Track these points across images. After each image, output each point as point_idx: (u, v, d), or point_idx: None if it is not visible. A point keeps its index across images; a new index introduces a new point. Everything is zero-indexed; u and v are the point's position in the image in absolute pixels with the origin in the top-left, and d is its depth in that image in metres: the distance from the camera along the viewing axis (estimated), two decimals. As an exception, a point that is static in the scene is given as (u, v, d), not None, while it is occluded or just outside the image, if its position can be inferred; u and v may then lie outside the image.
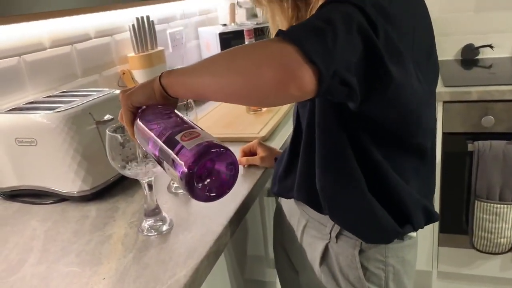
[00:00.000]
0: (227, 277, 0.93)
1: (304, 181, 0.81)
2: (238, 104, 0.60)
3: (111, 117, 1.00)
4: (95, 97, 1.03)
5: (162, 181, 1.01)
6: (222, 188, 0.57)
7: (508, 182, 1.63)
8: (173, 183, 0.99)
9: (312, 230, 0.84)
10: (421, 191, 0.77)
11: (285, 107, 1.47)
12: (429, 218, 0.78)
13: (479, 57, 2.11)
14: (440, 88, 1.70)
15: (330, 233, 0.80)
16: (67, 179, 0.96)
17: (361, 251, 0.77)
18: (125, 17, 1.56)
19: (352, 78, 0.55)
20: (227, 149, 0.54)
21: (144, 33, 1.59)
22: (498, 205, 1.66)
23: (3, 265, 0.77)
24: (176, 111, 0.66)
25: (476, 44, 2.09)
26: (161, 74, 0.64)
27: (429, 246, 1.92)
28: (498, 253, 1.76)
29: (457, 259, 1.91)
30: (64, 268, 0.74)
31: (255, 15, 2.29)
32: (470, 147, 1.67)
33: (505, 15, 2.03)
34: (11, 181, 1.02)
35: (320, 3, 0.67)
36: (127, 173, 0.77)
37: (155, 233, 0.81)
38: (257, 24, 2.02)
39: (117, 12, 1.52)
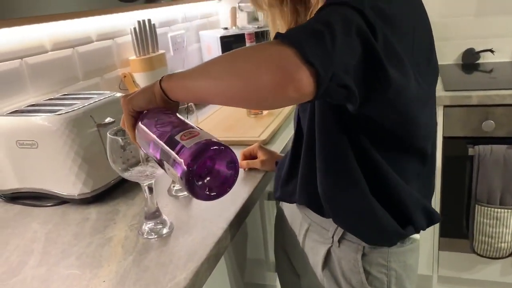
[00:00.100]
0: (227, 280, 0.93)
1: (306, 185, 0.81)
2: (238, 107, 0.60)
3: (112, 120, 1.00)
4: (96, 100, 1.03)
5: (163, 184, 1.01)
6: (222, 187, 0.57)
7: (509, 187, 1.63)
8: (173, 186, 1.00)
9: (314, 234, 0.84)
10: (421, 192, 0.77)
11: (286, 111, 1.47)
12: (430, 219, 0.78)
13: (479, 61, 2.11)
14: (440, 92, 1.71)
15: (333, 237, 0.80)
16: (68, 182, 0.96)
17: (363, 256, 0.78)
18: (127, 20, 1.57)
19: (351, 80, 0.55)
20: (227, 147, 0.54)
21: (146, 36, 1.60)
22: (499, 210, 1.66)
23: (4, 268, 0.77)
24: (177, 114, 0.66)
25: (477, 49, 2.10)
26: (162, 78, 0.64)
27: (430, 250, 1.91)
28: (499, 258, 1.76)
29: (457, 264, 1.90)
30: (64, 271, 0.74)
31: (256, 19, 2.29)
32: (470, 151, 1.67)
33: (506, 19, 2.03)
34: (12, 184, 1.02)
35: (319, 6, 0.67)
36: (128, 176, 0.77)
37: (156, 236, 0.81)
38: (258, 27, 2.02)
39: (118, 16, 1.53)
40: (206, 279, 0.74)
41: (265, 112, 1.47)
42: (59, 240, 0.84)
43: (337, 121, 0.70)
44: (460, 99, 1.67)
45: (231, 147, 0.56)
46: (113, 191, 1.02)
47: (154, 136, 0.60)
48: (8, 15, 1.12)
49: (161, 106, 0.65)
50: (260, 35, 1.70)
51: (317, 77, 0.51)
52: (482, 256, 1.77)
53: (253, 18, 2.28)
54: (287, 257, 0.98)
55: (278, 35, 0.54)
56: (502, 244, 1.72)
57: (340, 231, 0.79)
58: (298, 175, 0.82)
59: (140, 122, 0.66)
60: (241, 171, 1.07)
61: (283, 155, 1.05)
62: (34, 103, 1.08)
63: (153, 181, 0.79)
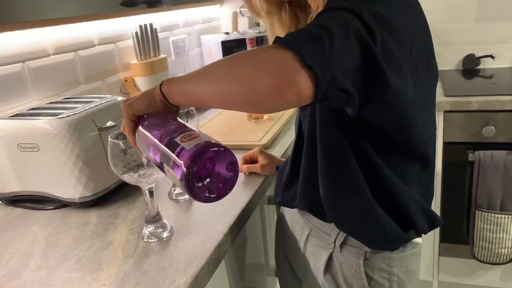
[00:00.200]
0: (227, 284, 0.93)
1: (307, 189, 0.81)
2: (238, 111, 0.61)
3: (113, 123, 1.00)
4: (98, 103, 1.03)
5: (163, 188, 1.02)
6: (222, 189, 0.57)
7: (509, 192, 1.63)
8: (174, 190, 1.00)
9: (315, 239, 0.84)
10: (422, 196, 0.78)
11: (286, 115, 1.47)
12: (432, 222, 0.79)
13: (480, 67, 2.12)
14: (441, 98, 1.71)
15: (334, 242, 0.80)
16: (69, 185, 0.96)
17: (365, 260, 0.78)
18: (129, 24, 1.58)
19: (350, 84, 0.55)
20: (226, 149, 0.54)
21: (147, 40, 1.60)
22: (499, 215, 1.66)
23: (4, 271, 0.77)
24: (178, 118, 0.66)
25: (477, 54, 2.10)
26: (162, 82, 0.64)
27: (430, 255, 1.91)
28: (499, 264, 1.75)
29: (457, 269, 1.90)
30: (64, 274, 0.74)
31: (257, 24, 2.30)
32: (471, 156, 1.68)
33: (506, 25, 2.04)
34: (13, 187, 1.02)
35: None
36: (129, 179, 0.78)
37: (156, 240, 0.81)
38: (259, 32, 2.03)
39: (120, 20, 1.54)
40: (206, 284, 0.74)
41: (265, 116, 1.48)
42: (59, 243, 0.84)
43: (338, 125, 0.71)
44: (460, 104, 1.68)
45: (232, 151, 0.56)
46: (113, 194, 1.03)
47: (154, 139, 0.60)
48: (11, 19, 1.12)
49: (161, 110, 0.65)
50: (260, 40, 1.71)
51: (316, 80, 0.51)
52: (482, 261, 1.77)
53: (254, 23, 2.29)
54: (288, 262, 0.98)
55: (277, 39, 0.55)
56: (503, 250, 1.71)
57: (341, 236, 0.79)
58: (299, 180, 0.82)
59: (140, 126, 0.66)
60: (241, 175, 1.08)
61: (283, 159, 1.05)
62: (35, 107, 1.08)
63: (153, 185, 0.80)
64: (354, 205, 0.74)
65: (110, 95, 1.10)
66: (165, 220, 0.84)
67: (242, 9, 2.19)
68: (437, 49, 0.73)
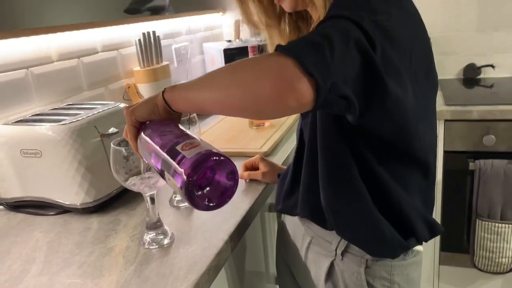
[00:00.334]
0: (227, 291, 0.93)
1: (308, 197, 0.81)
2: (239, 117, 0.61)
3: (115, 130, 1.01)
4: (100, 110, 1.04)
5: (164, 195, 1.02)
6: (222, 198, 0.57)
7: (510, 202, 1.63)
8: (175, 197, 1.00)
9: (316, 247, 0.84)
10: (423, 204, 0.78)
11: (288, 123, 1.48)
12: (432, 230, 0.79)
13: (480, 76, 2.13)
14: (441, 107, 1.72)
15: (336, 250, 0.80)
16: (71, 191, 0.97)
17: (366, 268, 0.78)
18: (132, 32, 1.59)
19: (350, 91, 0.56)
20: (226, 158, 0.55)
21: (150, 48, 1.62)
22: (500, 225, 1.66)
23: (6, 276, 0.77)
24: (179, 125, 0.67)
25: (478, 64, 2.11)
26: (164, 89, 0.65)
27: (430, 264, 1.91)
28: (500, 273, 1.75)
29: (458, 278, 1.89)
30: (65, 280, 0.74)
31: (259, 32, 2.31)
32: (471, 165, 1.68)
33: (507, 35, 2.05)
34: (15, 192, 1.03)
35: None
36: (130, 186, 0.78)
37: (157, 246, 0.82)
38: (261, 40, 2.04)
39: (123, 27, 1.55)
40: (206, 290, 0.74)
41: (267, 123, 1.48)
42: (61, 249, 0.85)
43: (338, 132, 0.71)
44: (461, 113, 1.68)
45: (233, 158, 0.57)
46: (115, 201, 1.03)
47: (156, 147, 0.61)
48: (16, 26, 1.14)
49: (163, 117, 0.66)
50: (262, 48, 1.72)
51: (316, 87, 0.52)
52: (483, 271, 1.77)
53: (256, 31, 2.30)
54: (289, 270, 0.98)
55: (278, 47, 0.56)
56: (503, 259, 1.71)
57: (343, 244, 0.79)
58: (300, 187, 0.83)
59: (142, 133, 0.67)
60: (242, 182, 1.08)
61: (284, 167, 1.05)
62: (39, 113, 1.09)
63: (155, 192, 0.80)
64: (354, 212, 0.75)
65: (112, 102, 1.11)
66: (166, 227, 0.85)
67: (244, 17, 2.20)
68: (438, 58, 0.74)
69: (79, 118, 0.98)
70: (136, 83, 1.59)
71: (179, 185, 0.54)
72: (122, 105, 1.10)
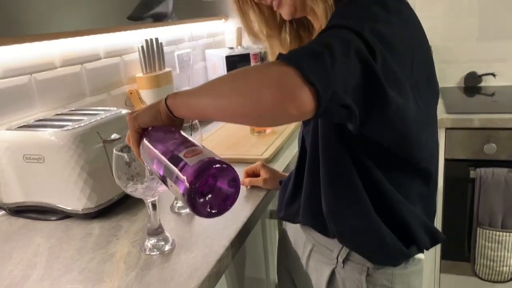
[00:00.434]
0: (227, 298, 0.94)
1: (310, 204, 0.81)
2: (241, 124, 0.62)
3: (118, 136, 1.01)
4: (103, 116, 1.05)
5: (166, 201, 1.02)
6: (223, 205, 0.58)
7: (511, 210, 1.63)
8: (176, 203, 1.01)
9: (318, 255, 0.84)
10: (424, 212, 0.78)
11: (289, 130, 1.48)
12: (434, 238, 0.79)
13: (481, 84, 2.14)
14: (442, 115, 1.72)
15: (337, 258, 0.80)
16: (73, 197, 0.97)
17: (367, 277, 0.78)
18: (135, 38, 1.60)
19: (350, 100, 0.56)
20: (229, 165, 0.55)
21: (153, 54, 1.63)
22: (501, 233, 1.66)
23: (7, 281, 0.77)
24: (181, 131, 0.67)
25: (479, 72, 2.12)
26: (167, 96, 0.66)
27: (431, 272, 1.90)
28: (501, 282, 1.74)
29: (459, 287, 1.89)
30: (66, 285, 0.74)
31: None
32: (472, 174, 1.68)
33: (508, 44, 2.06)
34: (17, 197, 1.03)
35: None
36: (132, 192, 0.78)
37: (158, 253, 0.82)
38: (262, 48, 2.05)
39: (126, 34, 1.56)
40: (206, 297, 0.74)
41: (268, 130, 1.49)
42: (62, 254, 0.85)
43: (339, 140, 0.72)
44: (462, 121, 1.69)
45: (234, 165, 0.57)
46: (116, 206, 1.03)
47: (158, 153, 0.62)
48: (20, 32, 1.15)
49: (166, 123, 0.66)
50: (264, 56, 1.73)
51: (317, 96, 0.52)
52: (483, 279, 1.76)
53: (258, 42, 2.31)
54: (291, 278, 0.98)
55: (279, 56, 0.56)
56: (504, 268, 1.71)
57: (344, 251, 0.79)
58: (302, 194, 0.83)
59: (145, 139, 0.67)
60: (243, 189, 1.08)
61: (285, 174, 1.06)
62: (41, 118, 1.10)
63: (156, 198, 0.80)
64: (356, 219, 0.75)
65: (115, 108, 1.12)
66: (167, 233, 0.85)
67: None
68: (439, 66, 0.74)
69: (82, 124, 0.99)
70: (139, 89, 1.60)
71: (181, 192, 0.54)
72: (125, 111, 1.10)
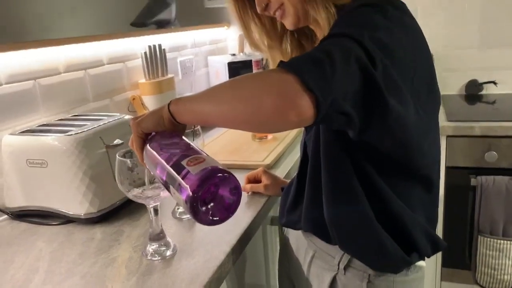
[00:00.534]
0: (228, 304, 0.94)
1: (311, 211, 0.82)
2: (242, 130, 0.63)
3: (121, 141, 1.02)
4: (106, 121, 1.06)
5: (167, 206, 1.03)
6: (225, 212, 0.58)
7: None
8: (177, 208, 1.01)
9: (319, 261, 0.85)
10: (426, 219, 0.78)
11: (291, 136, 1.49)
12: (435, 246, 0.79)
13: (483, 92, 2.14)
14: (443, 123, 1.73)
15: (338, 264, 0.80)
16: (75, 201, 0.98)
17: (369, 283, 0.78)
18: (138, 45, 1.62)
19: (350, 107, 0.57)
20: (231, 174, 0.56)
21: (156, 60, 1.64)
22: (502, 241, 1.66)
23: (9, 285, 0.78)
24: (183, 137, 0.68)
25: (480, 80, 2.13)
26: (170, 101, 0.66)
27: (432, 280, 1.90)
28: (502, 290, 1.74)
29: (460, 295, 1.88)
30: (68, 290, 0.75)
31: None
32: (473, 181, 1.68)
33: (509, 52, 2.07)
34: (20, 201, 1.04)
35: None
36: (135, 197, 0.79)
37: (159, 258, 0.82)
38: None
39: (130, 40, 1.57)
40: (207, 303, 0.74)
41: (269, 136, 1.49)
42: (64, 259, 0.85)
43: (341, 146, 0.72)
44: (463, 129, 1.69)
45: (235, 171, 0.58)
46: (118, 211, 1.04)
47: (161, 159, 0.62)
48: (25, 38, 1.16)
49: (169, 128, 0.67)
50: (266, 62, 1.74)
51: (316, 103, 0.53)
52: (485, 288, 1.76)
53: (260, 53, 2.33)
54: (292, 284, 0.97)
55: (280, 63, 0.57)
56: (506, 276, 1.70)
57: (346, 258, 0.79)
58: (304, 201, 0.83)
59: (148, 144, 0.68)
60: (244, 195, 1.09)
61: (287, 180, 1.06)
62: (45, 123, 1.10)
63: (158, 203, 0.81)
64: (357, 226, 0.75)
65: (118, 114, 1.13)
66: (168, 238, 0.85)
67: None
68: (440, 74, 0.75)
69: (85, 129, 1.00)
70: (141, 95, 1.61)
71: (184, 199, 0.55)
72: (127, 116, 1.11)
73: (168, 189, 0.61)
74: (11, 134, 1.04)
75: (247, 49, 2.23)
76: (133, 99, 1.58)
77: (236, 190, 0.58)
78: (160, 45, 1.65)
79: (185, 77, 1.95)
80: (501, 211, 1.64)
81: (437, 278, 1.88)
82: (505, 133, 1.64)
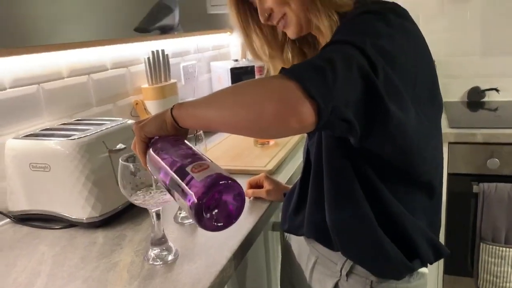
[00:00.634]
0: (229, 310, 0.93)
1: (314, 217, 0.82)
2: (243, 135, 0.63)
3: (123, 146, 1.02)
4: (109, 126, 1.06)
5: (169, 211, 1.03)
6: (229, 219, 0.58)
7: (514, 225, 1.62)
8: (180, 213, 1.01)
9: (321, 267, 0.84)
10: (428, 226, 0.78)
11: (293, 141, 1.49)
12: (437, 252, 0.79)
13: (485, 99, 2.14)
14: (445, 129, 1.73)
15: (341, 270, 0.80)
16: (77, 206, 0.98)
17: None
18: (141, 50, 1.62)
19: (351, 114, 0.57)
20: (235, 181, 0.56)
21: (159, 66, 1.64)
22: (504, 248, 1.65)
23: (11, 288, 0.78)
24: (186, 141, 0.68)
25: (482, 87, 2.13)
26: (173, 106, 0.67)
27: (434, 287, 1.89)
28: (504, 298, 1.73)
29: (462, 302, 1.87)
30: (70, 294, 0.75)
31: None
32: (475, 188, 1.68)
33: (511, 60, 2.07)
34: (22, 205, 1.04)
35: None
36: (137, 201, 0.79)
37: (161, 262, 0.82)
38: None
39: (133, 45, 1.58)
40: (209, 308, 0.74)
41: (272, 142, 1.50)
42: (66, 263, 0.85)
43: (342, 153, 0.72)
44: (465, 136, 1.69)
45: (237, 176, 0.58)
46: (120, 216, 1.04)
47: (164, 164, 0.62)
48: (29, 42, 1.17)
49: (171, 133, 0.67)
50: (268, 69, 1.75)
51: (318, 110, 0.54)
52: (487, 295, 1.75)
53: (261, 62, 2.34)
54: (294, 290, 0.98)
55: (282, 70, 0.57)
56: (508, 284, 1.69)
57: (348, 264, 0.79)
58: (306, 207, 0.83)
59: (151, 148, 0.68)
60: (246, 200, 1.09)
61: (289, 186, 1.06)
62: (48, 128, 1.11)
63: (160, 208, 0.81)
64: (359, 231, 0.75)
65: (121, 118, 1.13)
66: (170, 243, 0.85)
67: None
68: (442, 81, 0.75)
69: (88, 134, 1.00)
70: (144, 100, 1.61)
71: (188, 206, 0.55)
72: (130, 121, 1.12)
73: (171, 193, 0.61)
74: (15, 138, 1.04)
75: (250, 55, 2.25)
76: (136, 104, 1.59)
77: (240, 197, 0.58)
78: (163, 51, 1.66)
79: (187, 83, 1.96)
80: (503, 218, 1.63)
81: (439, 285, 1.88)
82: (507, 140, 1.64)
